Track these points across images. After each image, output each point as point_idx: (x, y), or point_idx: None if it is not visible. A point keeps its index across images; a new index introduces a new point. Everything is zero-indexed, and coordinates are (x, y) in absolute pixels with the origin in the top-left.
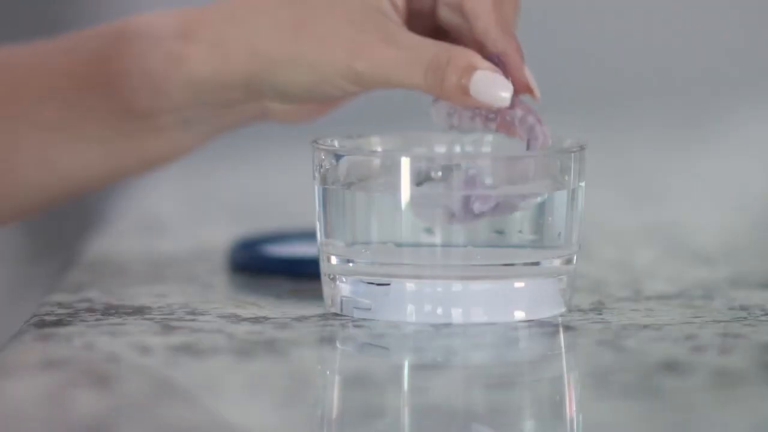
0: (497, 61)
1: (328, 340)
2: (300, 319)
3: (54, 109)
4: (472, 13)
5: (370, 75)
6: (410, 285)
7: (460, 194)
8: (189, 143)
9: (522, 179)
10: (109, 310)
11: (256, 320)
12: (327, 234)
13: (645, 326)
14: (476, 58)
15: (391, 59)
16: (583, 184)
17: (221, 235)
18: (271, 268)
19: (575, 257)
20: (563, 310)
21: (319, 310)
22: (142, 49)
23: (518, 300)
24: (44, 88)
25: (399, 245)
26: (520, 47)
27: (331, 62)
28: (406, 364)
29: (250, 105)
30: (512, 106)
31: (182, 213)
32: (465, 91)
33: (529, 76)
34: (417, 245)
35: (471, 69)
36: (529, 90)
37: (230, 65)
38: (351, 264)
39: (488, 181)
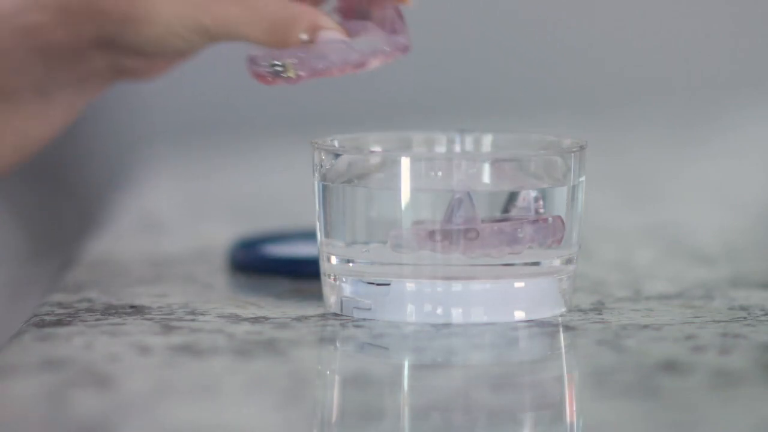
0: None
1: (328, 340)
2: (300, 319)
3: None
4: None
5: (216, 30)
6: (410, 285)
7: None
8: (55, 118)
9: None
10: (109, 310)
11: (256, 320)
12: (327, 234)
13: (645, 326)
14: (320, 17)
15: (236, 15)
16: (583, 183)
17: (221, 235)
18: (271, 268)
19: (575, 257)
20: (563, 310)
21: (319, 310)
22: None
23: (518, 300)
24: None
25: (396, 244)
26: None
27: (179, 17)
28: (406, 364)
29: (102, 64)
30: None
31: (182, 213)
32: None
33: None
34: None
35: (315, 28)
36: None
37: (78, 26)
38: (351, 264)
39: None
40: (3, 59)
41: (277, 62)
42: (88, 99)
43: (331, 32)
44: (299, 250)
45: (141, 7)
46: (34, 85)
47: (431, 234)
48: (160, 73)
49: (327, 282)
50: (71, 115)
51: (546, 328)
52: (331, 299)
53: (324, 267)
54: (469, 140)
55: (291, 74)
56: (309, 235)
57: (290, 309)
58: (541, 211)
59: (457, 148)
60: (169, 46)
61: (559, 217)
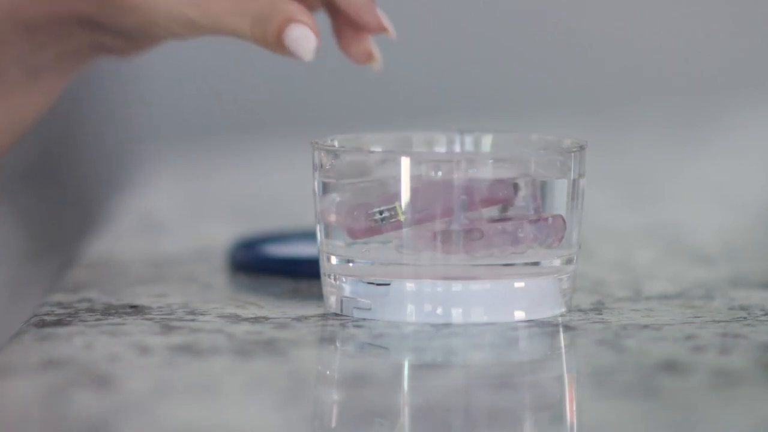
0: None
1: (328, 340)
2: (300, 319)
3: None
4: None
5: (201, 22)
6: (410, 285)
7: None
8: (40, 98)
9: None
10: (109, 310)
11: (256, 320)
12: (327, 234)
13: (645, 326)
14: (295, 10)
15: (221, 8)
16: (583, 183)
17: (221, 235)
18: (271, 268)
19: (575, 257)
20: (563, 310)
21: (319, 310)
22: None
23: (518, 300)
24: None
25: (399, 245)
26: None
27: (165, 7)
28: (406, 364)
29: (83, 41)
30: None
31: (182, 213)
32: (281, 41)
33: (381, 15)
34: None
35: (288, 21)
36: (382, 29)
37: (66, 6)
38: (351, 264)
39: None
40: None
41: (383, 208)
42: (70, 78)
43: (299, 27)
44: (299, 250)
45: None
46: (20, 63)
47: (435, 235)
48: (142, 53)
49: (327, 282)
50: (54, 95)
51: (546, 328)
52: (331, 299)
53: (324, 267)
54: (469, 140)
55: (401, 217)
56: (309, 235)
57: (290, 309)
58: (540, 201)
59: (457, 148)
60: (153, 33)
61: (560, 216)
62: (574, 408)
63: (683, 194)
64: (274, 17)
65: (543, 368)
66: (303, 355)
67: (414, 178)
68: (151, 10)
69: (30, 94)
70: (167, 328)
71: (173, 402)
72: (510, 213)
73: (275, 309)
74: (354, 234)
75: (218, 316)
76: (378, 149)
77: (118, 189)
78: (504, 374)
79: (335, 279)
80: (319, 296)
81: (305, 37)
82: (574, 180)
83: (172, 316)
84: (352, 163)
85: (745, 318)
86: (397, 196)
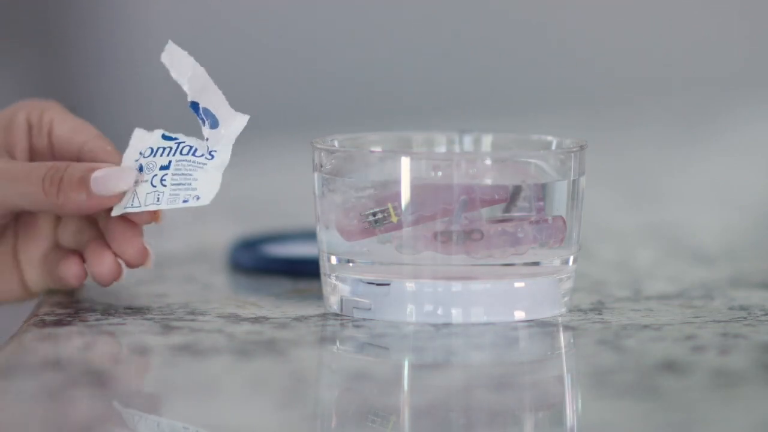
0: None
1: (328, 340)
2: (300, 319)
3: None
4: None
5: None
6: (410, 285)
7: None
8: None
9: None
10: (109, 310)
11: (256, 320)
12: (327, 234)
13: (645, 326)
14: (85, 167)
15: (11, 170)
16: (583, 183)
17: (221, 235)
18: (272, 268)
19: (575, 257)
20: (563, 310)
21: (319, 310)
22: None
23: (518, 300)
24: None
25: (399, 245)
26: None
27: None
28: (406, 364)
29: None
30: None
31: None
32: (86, 188)
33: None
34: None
35: (86, 179)
36: (154, 218)
37: None
38: (351, 264)
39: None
40: None
41: (376, 210)
42: None
43: (103, 170)
44: (299, 250)
45: None
46: None
47: (435, 235)
48: None
49: (327, 282)
50: None
51: (546, 328)
52: (331, 299)
53: (324, 267)
54: (469, 140)
55: (394, 219)
56: (309, 235)
57: (290, 309)
58: (541, 203)
59: (457, 148)
60: None
61: (561, 217)
62: (574, 408)
63: (683, 194)
64: (68, 174)
65: (543, 368)
66: (303, 355)
67: (414, 179)
68: None
69: None
70: (167, 328)
71: (173, 402)
72: (510, 213)
73: (275, 309)
74: (347, 235)
75: (218, 316)
76: (378, 149)
77: None
78: (504, 374)
79: (335, 279)
80: (319, 296)
81: (114, 176)
82: (574, 180)
83: (172, 316)
84: (351, 163)
85: (745, 318)
86: (390, 197)
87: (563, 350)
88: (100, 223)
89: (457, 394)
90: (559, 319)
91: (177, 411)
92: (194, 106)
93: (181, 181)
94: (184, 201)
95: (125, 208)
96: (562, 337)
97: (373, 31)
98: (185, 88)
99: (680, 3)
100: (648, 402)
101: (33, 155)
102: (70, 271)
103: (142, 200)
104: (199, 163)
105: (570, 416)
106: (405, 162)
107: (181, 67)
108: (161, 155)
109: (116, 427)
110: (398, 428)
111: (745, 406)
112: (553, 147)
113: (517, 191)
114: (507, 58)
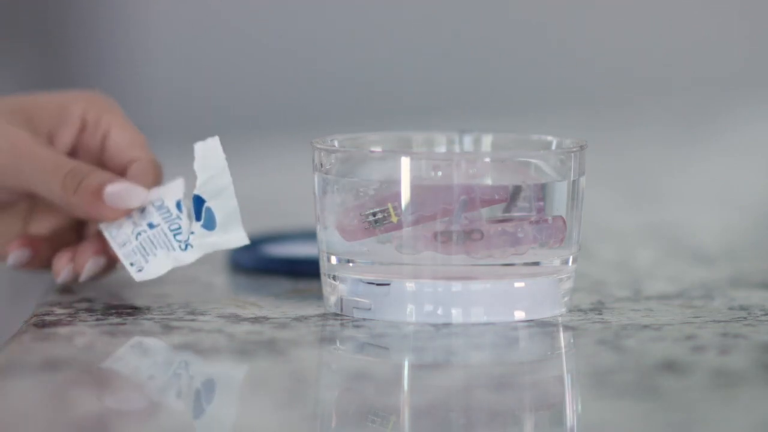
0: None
1: (328, 340)
2: (300, 319)
3: None
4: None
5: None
6: (410, 285)
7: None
8: None
9: None
10: (109, 310)
11: (256, 320)
12: (327, 234)
13: (645, 326)
14: (108, 177)
15: (41, 157)
16: (583, 183)
17: None
18: (272, 268)
19: (575, 257)
20: (563, 310)
21: (319, 310)
22: None
23: (518, 300)
24: None
25: (399, 245)
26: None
27: None
28: (406, 364)
29: None
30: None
31: None
32: (101, 197)
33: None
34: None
35: (103, 189)
36: (110, 266)
37: None
38: (351, 264)
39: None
40: None
41: (376, 210)
42: None
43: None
44: (299, 250)
45: None
46: None
47: (435, 235)
48: None
49: (327, 282)
50: None
51: (546, 328)
52: (331, 299)
53: (324, 267)
54: (468, 140)
55: (394, 219)
56: (309, 235)
57: (290, 309)
58: (541, 203)
59: (457, 148)
60: None
61: (561, 217)
62: (574, 408)
63: (683, 194)
64: (89, 178)
65: (543, 368)
66: (303, 355)
67: (414, 178)
68: None
69: None
70: (167, 328)
71: (173, 402)
72: (510, 213)
73: (275, 309)
74: (347, 235)
75: (218, 316)
76: (378, 149)
77: None
78: (504, 374)
79: (335, 279)
80: (319, 296)
81: (129, 193)
82: (574, 180)
83: (172, 316)
84: (351, 163)
85: (745, 318)
86: (390, 197)
87: (563, 350)
88: (88, 226)
89: (457, 394)
90: (559, 319)
91: (177, 411)
92: (198, 200)
93: (146, 247)
94: (131, 264)
95: (107, 229)
96: (562, 337)
97: (373, 31)
98: (199, 181)
99: (680, 3)
100: (648, 402)
101: (77, 151)
102: (13, 249)
103: (117, 233)
104: (170, 245)
105: (570, 416)
106: (405, 162)
107: (209, 161)
108: (162, 213)
109: (116, 427)
110: (398, 428)
111: (745, 406)
112: (553, 147)
113: (517, 191)
114: (507, 58)
